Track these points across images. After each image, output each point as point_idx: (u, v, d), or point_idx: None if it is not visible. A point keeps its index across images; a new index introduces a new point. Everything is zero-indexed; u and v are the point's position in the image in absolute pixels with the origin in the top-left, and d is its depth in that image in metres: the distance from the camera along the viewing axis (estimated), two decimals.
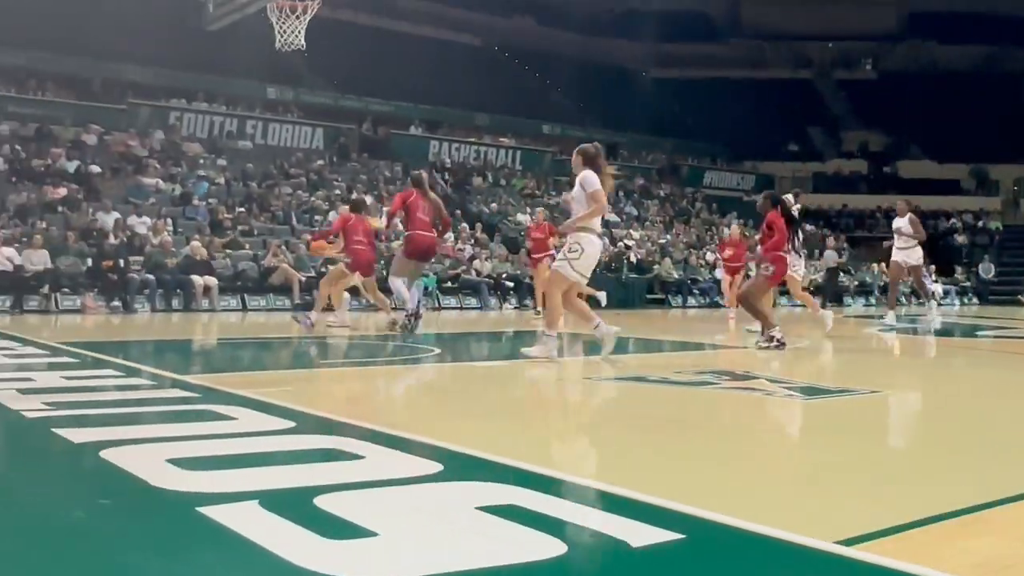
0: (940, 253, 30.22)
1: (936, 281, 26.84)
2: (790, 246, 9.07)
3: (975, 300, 27.59)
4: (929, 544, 2.30)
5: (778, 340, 8.52)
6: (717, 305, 13.45)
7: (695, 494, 2.70)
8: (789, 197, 11.44)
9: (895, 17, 40.14)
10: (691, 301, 21.70)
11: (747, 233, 17.29)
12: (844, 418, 4.73)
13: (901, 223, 12.68)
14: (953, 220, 33.28)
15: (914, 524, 2.41)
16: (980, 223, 33.28)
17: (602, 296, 14.89)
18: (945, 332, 13.57)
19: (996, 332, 13.20)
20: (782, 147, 37.91)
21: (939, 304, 12.93)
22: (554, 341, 6.97)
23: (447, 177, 26.80)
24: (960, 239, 32.16)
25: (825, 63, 41.16)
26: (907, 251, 12.59)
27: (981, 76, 36.21)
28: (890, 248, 12.91)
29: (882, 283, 25.65)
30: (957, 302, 26.56)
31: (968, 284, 28.66)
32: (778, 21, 40.31)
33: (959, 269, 29.34)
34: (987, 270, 29.64)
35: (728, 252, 15.12)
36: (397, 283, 9.54)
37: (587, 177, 6.98)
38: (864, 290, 25.72)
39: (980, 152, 34.51)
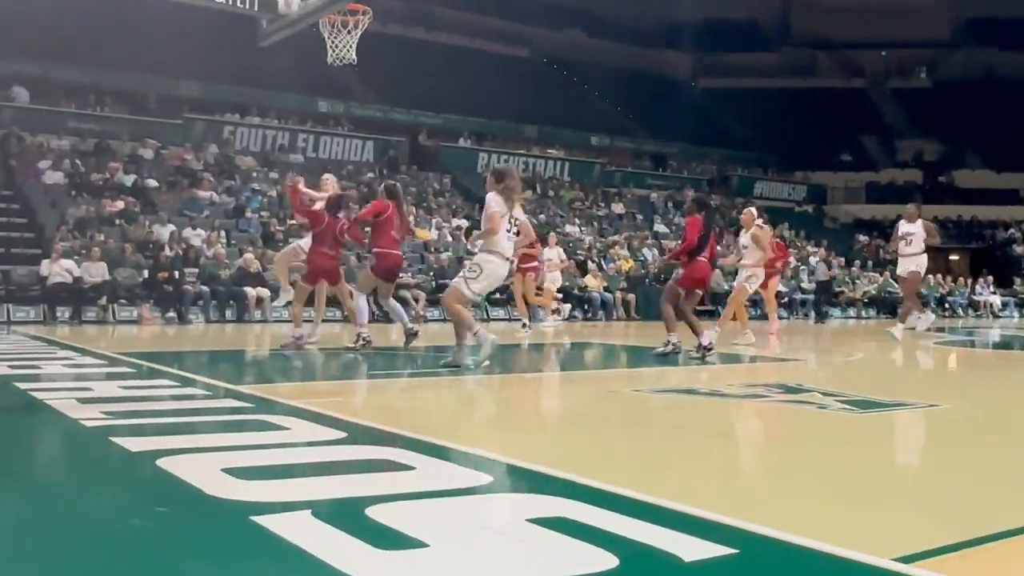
0: (998, 264, 29.56)
1: (994, 292, 26.26)
2: (708, 253, 8.79)
3: None
4: (989, 562, 2.25)
5: (706, 347, 8.37)
6: (766, 316, 13.26)
7: (748, 508, 2.67)
8: (752, 210, 11.20)
9: (950, 24, 39.51)
10: None
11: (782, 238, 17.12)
12: (900, 432, 4.64)
13: (913, 228, 11.90)
14: (1011, 230, 32.58)
15: (974, 542, 2.36)
16: None
17: (566, 309, 16.08)
18: (1004, 345, 13.26)
19: None
20: (834, 157, 37.43)
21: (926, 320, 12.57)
22: (486, 335, 6.96)
23: None
24: (1019, 249, 31.47)
25: (878, 72, 40.61)
26: (914, 258, 11.91)
27: None
28: (896, 256, 12.30)
29: (938, 295, 25.16)
30: (1016, 314, 25.95)
31: None
32: (829, 29, 39.90)
33: (1017, 280, 28.66)
34: None
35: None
36: (361, 300, 9.53)
37: (488, 200, 7.05)
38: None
39: None
